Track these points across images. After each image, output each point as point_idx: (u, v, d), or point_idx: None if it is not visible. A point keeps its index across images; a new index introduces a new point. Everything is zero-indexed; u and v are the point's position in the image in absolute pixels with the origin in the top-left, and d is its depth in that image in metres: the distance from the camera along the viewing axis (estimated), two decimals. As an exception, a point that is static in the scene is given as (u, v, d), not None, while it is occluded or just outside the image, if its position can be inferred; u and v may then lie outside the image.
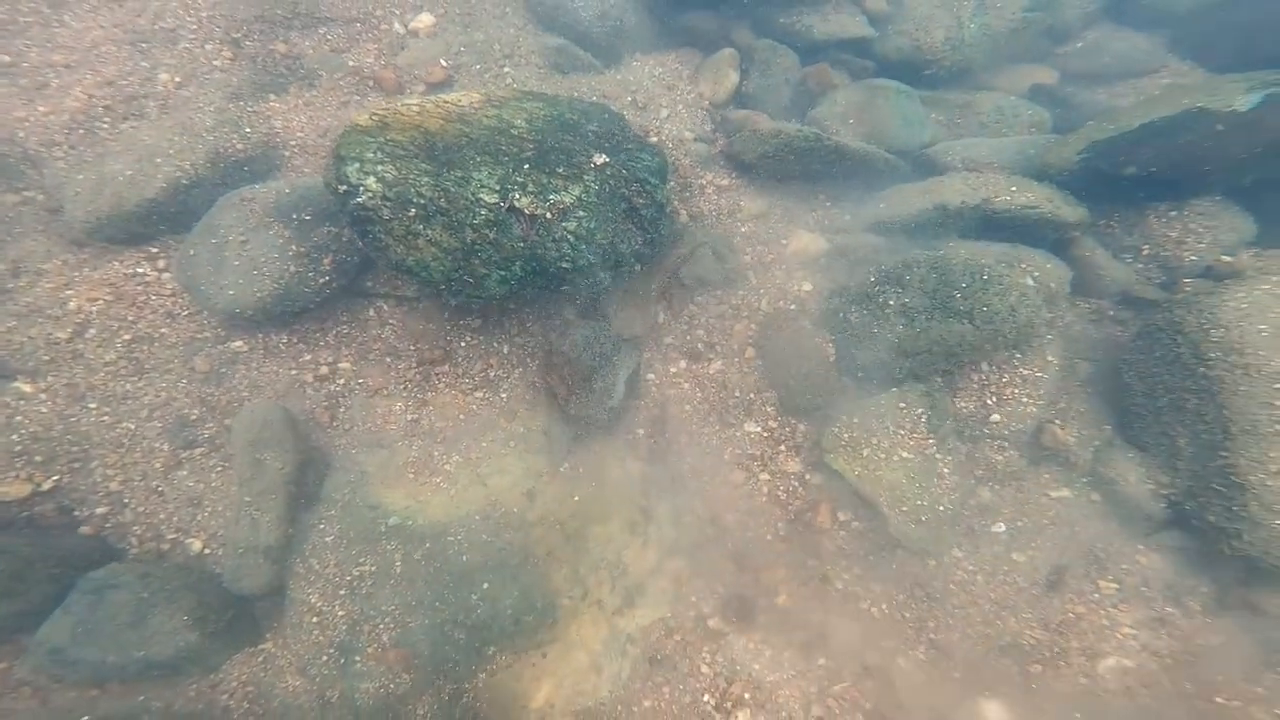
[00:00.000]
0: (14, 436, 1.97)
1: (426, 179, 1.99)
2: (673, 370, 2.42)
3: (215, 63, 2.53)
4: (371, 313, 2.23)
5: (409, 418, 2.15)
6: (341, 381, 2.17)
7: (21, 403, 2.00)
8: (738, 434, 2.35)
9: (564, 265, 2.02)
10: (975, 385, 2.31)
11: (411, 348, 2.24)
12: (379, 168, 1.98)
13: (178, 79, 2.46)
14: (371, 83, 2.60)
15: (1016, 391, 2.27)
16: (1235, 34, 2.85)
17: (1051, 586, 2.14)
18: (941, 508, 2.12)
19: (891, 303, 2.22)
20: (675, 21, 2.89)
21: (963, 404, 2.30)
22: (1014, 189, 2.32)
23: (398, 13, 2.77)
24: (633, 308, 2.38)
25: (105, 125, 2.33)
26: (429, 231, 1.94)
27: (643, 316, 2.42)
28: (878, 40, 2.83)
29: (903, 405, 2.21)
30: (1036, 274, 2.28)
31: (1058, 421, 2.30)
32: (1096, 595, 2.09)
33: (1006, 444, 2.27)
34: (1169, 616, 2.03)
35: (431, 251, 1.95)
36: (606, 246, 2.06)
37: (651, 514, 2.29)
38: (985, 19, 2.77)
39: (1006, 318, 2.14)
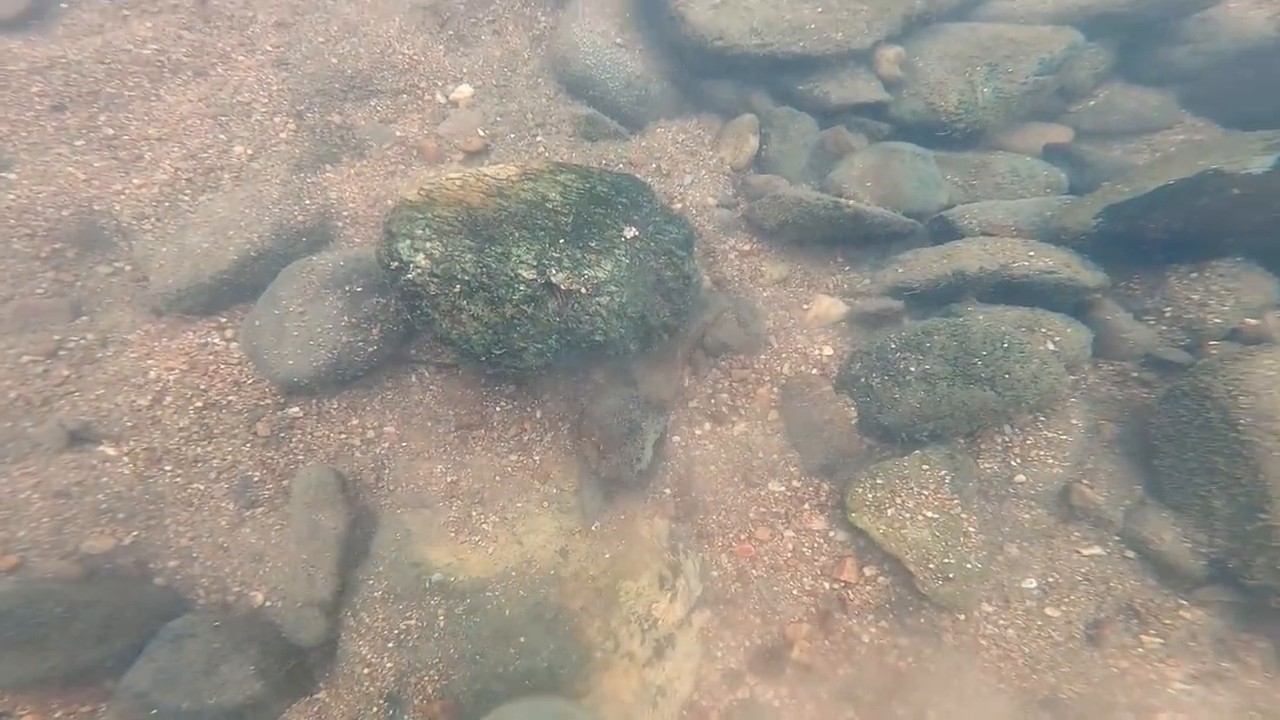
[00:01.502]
0: (100, 495, 2.14)
1: (470, 255, 2.12)
2: (698, 432, 2.50)
3: (281, 135, 2.73)
4: (414, 379, 2.36)
5: (449, 479, 2.27)
6: (386, 445, 2.30)
7: (107, 464, 2.18)
8: (762, 493, 2.41)
9: (597, 338, 2.12)
10: (999, 447, 2.34)
11: (451, 413, 2.36)
12: (427, 244, 2.13)
13: (250, 151, 2.66)
14: (415, 152, 2.77)
15: (1041, 453, 2.30)
16: (1246, 90, 2.84)
17: (1090, 641, 2.13)
18: (969, 565, 2.15)
19: (913, 369, 2.26)
20: (696, 88, 3.01)
21: (986, 464, 2.33)
22: (1032, 254, 2.35)
23: (440, 84, 2.95)
24: (659, 373, 2.47)
25: (187, 198, 2.52)
26: (471, 307, 2.07)
27: (669, 381, 2.50)
28: (892, 104, 2.88)
29: (926, 467, 2.25)
30: (1057, 339, 2.31)
31: (1085, 481, 2.31)
32: (1140, 650, 2.07)
33: (1033, 503, 2.29)
34: (1225, 671, 1.99)
35: (474, 325, 2.08)
36: (637, 319, 2.16)
37: (680, 569, 2.35)
38: (998, 83, 2.79)
39: (1029, 385, 2.16)
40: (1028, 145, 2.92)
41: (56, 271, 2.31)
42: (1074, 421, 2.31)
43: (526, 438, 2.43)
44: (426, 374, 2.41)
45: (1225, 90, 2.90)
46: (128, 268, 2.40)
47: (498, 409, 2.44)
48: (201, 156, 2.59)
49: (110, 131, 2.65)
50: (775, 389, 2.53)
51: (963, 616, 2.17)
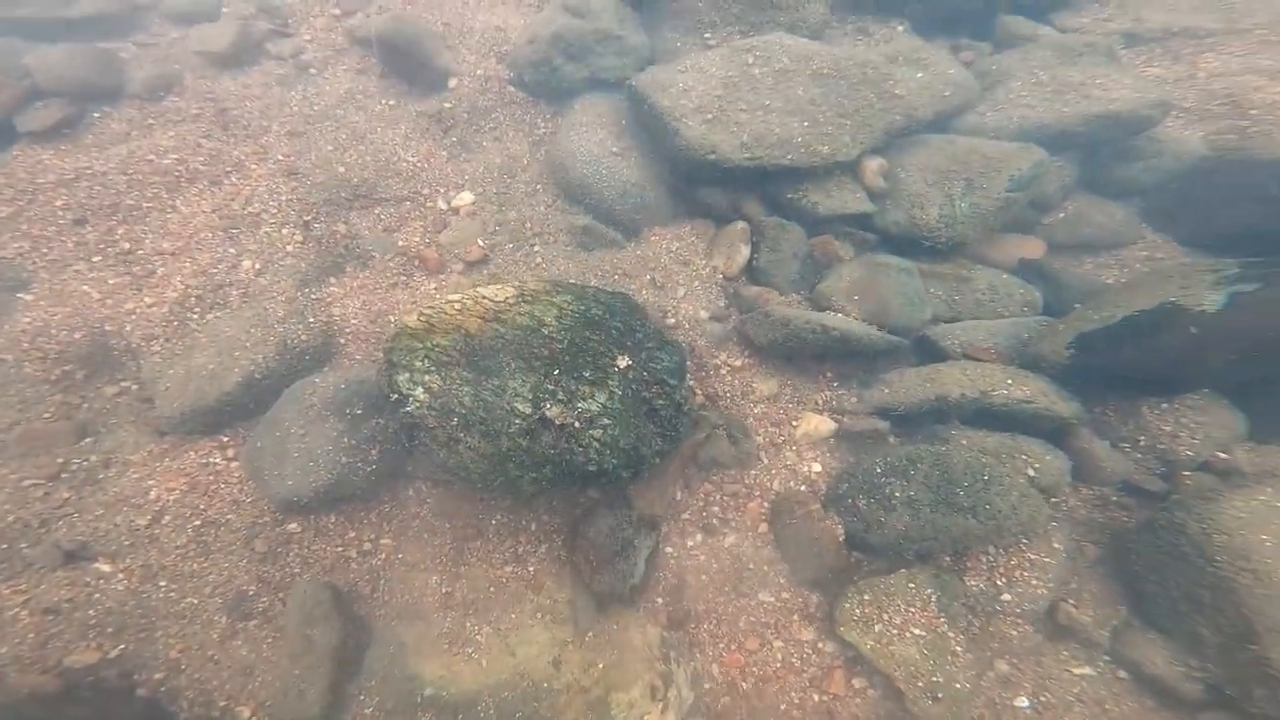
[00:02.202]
0: (90, 611, 2.15)
1: (468, 389, 2.18)
2: (689, 544, 2.52)
3: (288, 248, 2.79)
4: (411, 492, 2.39)
5: (444, 590, 2.29)
6: (383, 556, 2.32)
7: (101, 581, 2.19)
8: (752, 603, 2.42)
9: (590, 469, 2.16)
10: (984, 566, 2.36)
11: (447, 525, 2.39)
12: (425, 378, 2.19)
13: (257, 266, 2.71)
14: (417, 262, 2.84)
15: (1025, 574, 2.31)
16: (1195, 208, 2.91)
17: None
18: (958, 684, 2.14)
19: (897, 494, 2.29)
20: (690, 195, 3.09)
21: (972, 583, 2.34)
22: (1010, 382, 2.40)
23: (442, 190, 3.04)
24: (652, 489, 2.50)
25: (195, 316, 2.56)
26: (469, 439, 2.11)
27: (661, 497, 2.54)
28: (877, 214, 2.95)
29: (912, 585, 2.27)
30: (1036, 466, 2.34)
31: (1070, 601, 2.32)
32: (1149, 772, 2.01)
33: (1021, 620, 2.29)
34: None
35: (470, 456, 2.12)
36: (630, 450, 2.20)
37: (671, 679, 2.36)
38: (973, 198, 2.85)
39: (1009, 515, 2.20)
40: (1005, 257, 2.98)
41: (65, 394, 2.35)
42: (1055, 545, 2.32)
43: (521, 549, 2.45)
44: (424, 488, 2.44)
45: (1179, 206, 2.97)
46: (134, 387, 2.45)
47: (493, 521, 2.46)
48: (211, 272, 2.64)
49: (126, 246, 2.71)
50: (765, 504, 2.55)
51: None
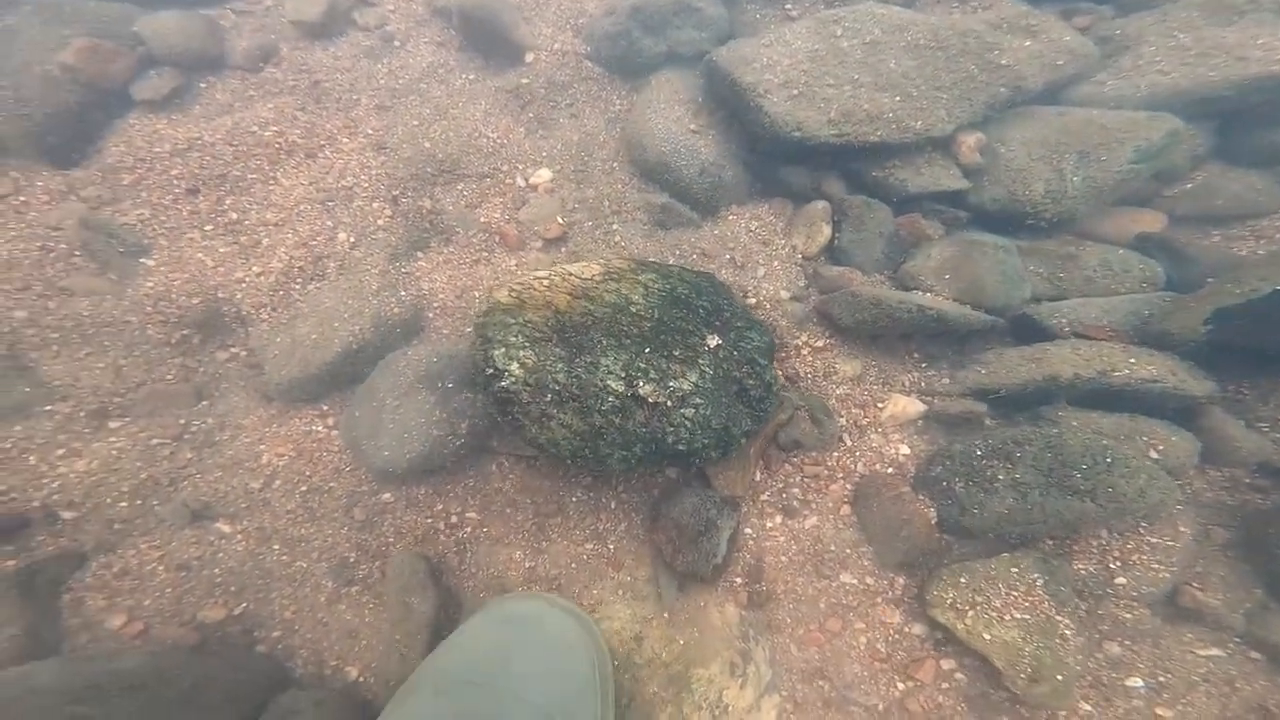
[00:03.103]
0: (216, 570, 2.28)
1: (561, 365, 2.16)
2: (768, 525, 2.46)
3: (379, 221, 2.80)
4: (494, 468, 2.41)
5: (527, 565, 2.31)
6: (469, 529, 2.35)
7: (223, 541, 2.31)
8: (833, 584, 2.36)
9: (680, 448, 2.12)
10: (1094, 550, 2.23)
11: (529, 501, 2.40)
12: (520, 353, 2.18)
13: (352, 239, 2.74)
14: (497, 238, 2.83)
15: (1144, 558, 2.17)
16: None
17: None
18: (1067, 664, 2.03)
19: (1000, 477, 2.15)
20: (768, 173, 2.96)
21: (1081, 565, 2.23)
22: (1133, 361, 2.21)
23: (520, 167, 3.00)
24: (733, 470, 2.43)
25: (298, 286, 2.61)
26: (561, 415, 2.11)
27: (742, 478, 2.47)
28: (972, 191, 2.75)
29: (1015, 570, 2.15)
30: (1161, 447, 2.17)
31: (1195, 584, 2.17)
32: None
33: (1136, 603, 2.17)
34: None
35: (562, 433, 2.11)
36: (720, 430, 2.15)
37: (750, 656, 2.34)
38: (1089, 172, 2.61)
39: (1134, 499, 2.04)
40: (1117, 232, 2.73)
41: (184, 357, 2.46)
42: (1182, 528, 2.16)
43: (601, 527, 2.45)
44: (506, 463, 2.46)
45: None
46: (243, 353, 2.53)
47: (574, 499, 2.47)
48: (311, 244, 2.68)
49: (234, 216, 2.76)
50: (848, 486, 2.46)
51: (1063, 713, 2.06)
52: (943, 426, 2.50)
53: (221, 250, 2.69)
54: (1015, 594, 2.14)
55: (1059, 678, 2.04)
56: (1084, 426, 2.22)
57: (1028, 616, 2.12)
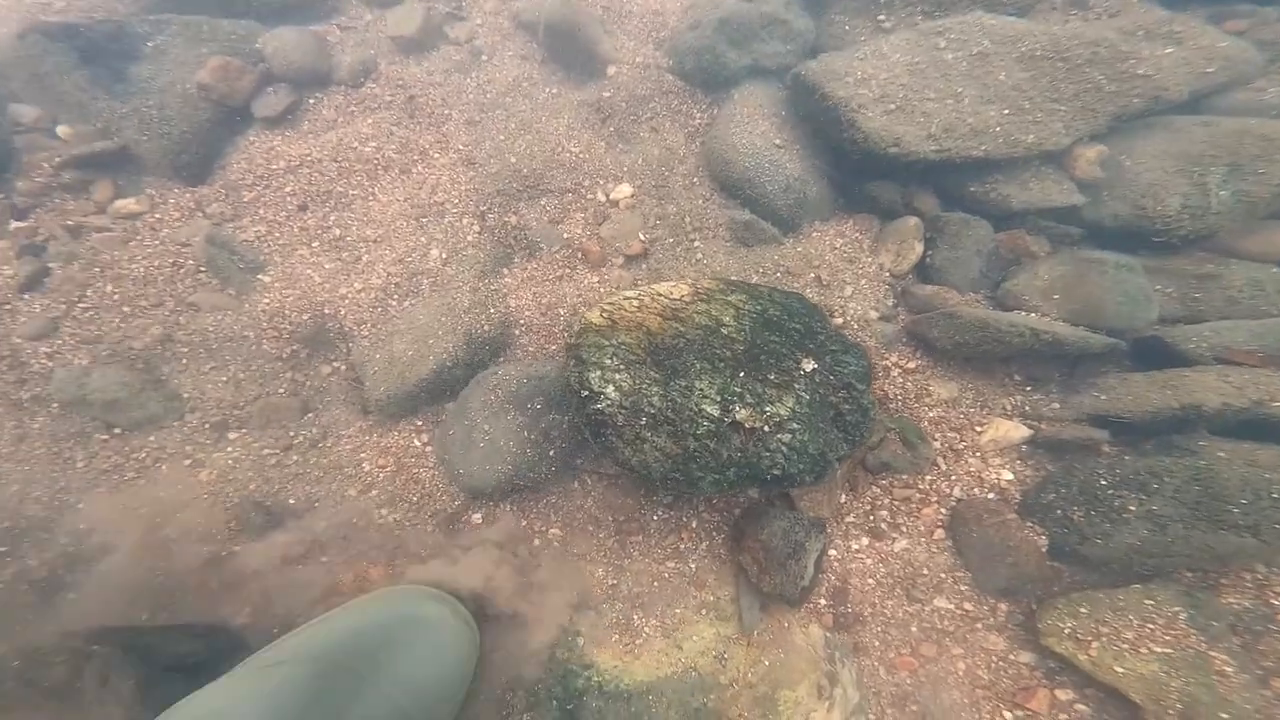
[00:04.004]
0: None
1: (656, 389, 2.13)
2: (854, 546, 2.36)
3: (468, 237, 2.83)
4: (576, 485, 2.39)
5: (610, 583, 2.28)
6: (556, 546, 2.35)
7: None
8: (926, 609, 2.24)
9: (775, 472, 2.05)
10: (1249, 584, 2.02)
11: (610, 519, 2.37)
12: (616, 376, 2.16)
13: (444, 255, 2.77)
14: (580, 255, 2.81)
15: None
16: None
17: None
18: (1231, 704, 1.84)
19: (1132, 509, 1.98)
20: (854, 187, 2.81)
21: (1231, 599, 2.02)
22: None
23: (602, 182, 2.98)
24: (819, 491, 2.34)
25: (394, 303, 2.66)
26: (655, 439, 2.06)
27: (828, 499, 2.37)
28: (1088, 206, 2.52)
29: (1150, 602, 1.98)
30: None
31: None
32: None
33: None
34: None
35: (655, 455, 2.07)
36: (816, 456, 2.07)
37: (837, 678, 2.25)
38: (1241, 185, 2.33)
39: None
40: (1267, 249, 2.43)
41: (293, 372, 2.56)
42: None
43: (683, 546, 2.40)
44: (589, 480, 2.44)
45: None
46: (343, 368, 2.62)
47: (655, 517, 2.42)
48: (407, 260, 2.73)
49: (338, 233, 2.85)
50: (943, 510, 2.32)
51: None
52: (1051, 452, 2.32)
53: (328, 266, 2.78)
54: (1152, 627, 1.97)
55: (1224, 716, 1.85)
56: (1235, 458, 1.99)
57: (1171, 651, 1.94)
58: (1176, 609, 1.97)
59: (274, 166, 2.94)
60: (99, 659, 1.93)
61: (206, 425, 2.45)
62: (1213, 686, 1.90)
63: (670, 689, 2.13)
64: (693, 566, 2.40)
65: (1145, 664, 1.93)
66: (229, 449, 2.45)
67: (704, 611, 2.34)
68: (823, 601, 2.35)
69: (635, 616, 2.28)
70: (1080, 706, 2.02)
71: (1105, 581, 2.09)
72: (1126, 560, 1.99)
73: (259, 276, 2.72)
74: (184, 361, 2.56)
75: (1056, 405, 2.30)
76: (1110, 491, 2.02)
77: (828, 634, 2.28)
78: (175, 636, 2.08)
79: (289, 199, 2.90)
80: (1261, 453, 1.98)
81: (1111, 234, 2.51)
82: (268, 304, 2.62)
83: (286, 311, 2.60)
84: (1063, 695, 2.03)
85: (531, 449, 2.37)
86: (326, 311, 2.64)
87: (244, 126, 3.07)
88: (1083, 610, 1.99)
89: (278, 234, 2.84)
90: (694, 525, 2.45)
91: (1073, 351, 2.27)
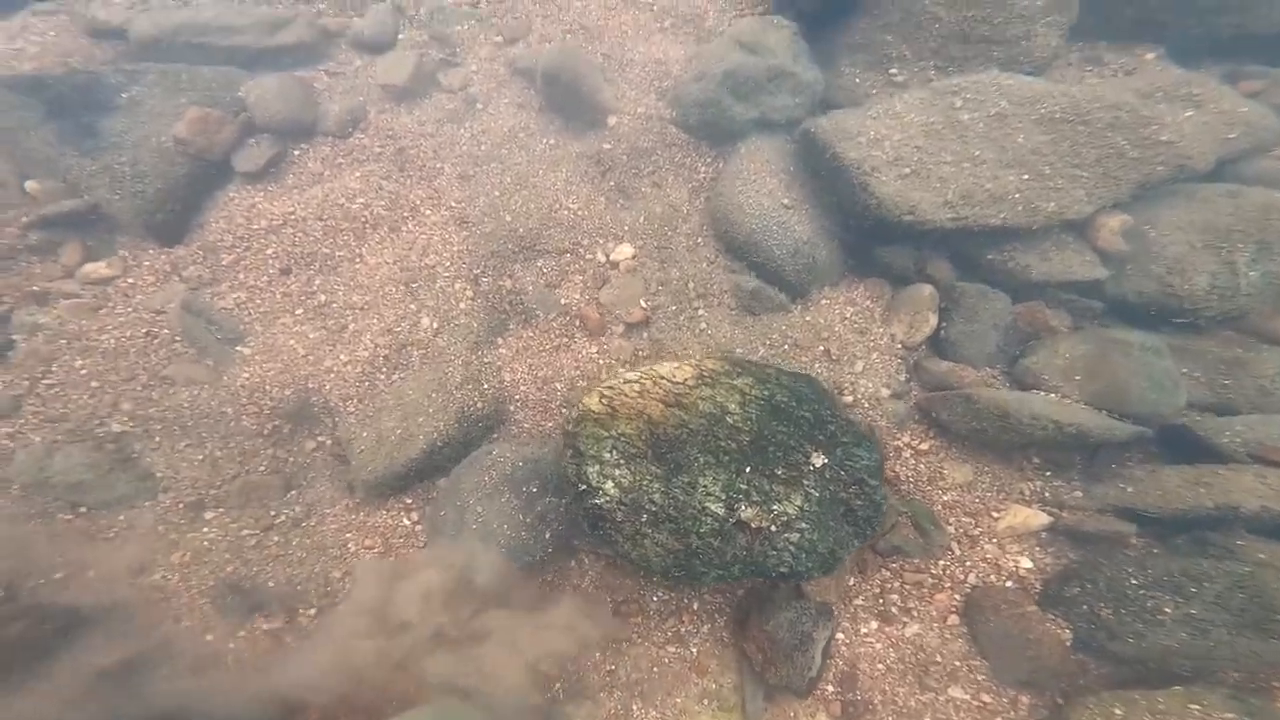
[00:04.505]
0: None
1: (658, 485, 1.97)
2: (863, 630, 2.22)
3: (461, 304, 2.66)
4: (573, 564, 2.25)
5: (607, 667, 2.15)
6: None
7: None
8: (940, 699, 2.10)
9: (782, 570, 1.91)
10: None
11: (608, 599, 2.23)
12: (615, 471, 2.00)
13: (435, 324, 2.60)
14: (578, 322, 2.65)
15: None
16: None
17: None
18: None
19: (1168, 610, 1.87)
20: (865, 251, 2.66)
21: None
22: None
23: (601, 242, 2.81)
24: (826, 578, 2.24)
25: (382, 377, 2.50)
26: (656, 535, 1.91)
27: (836, 584, 2.24)
28: (1110, 280, 2.39)
29: (1196, 706, 1.83)
30: None
31: None
32: None
33: None
34: None
35: (656, 551, 1.92)
36: (825, 555, 1.93)
37: None
38: (1270, 266, 2.21)
39: None
40: None
41: (275, 448, 2.41)
42: None
43: (684, 630, 2.24)
44: (586, 561, 2.29)
45: None
46: (329, 443, 2.47)
47: (654, 599, 2.27)
48: (396, 330, 2.58)
49: (323, 298, 2.68)
50: (957, 596, 2.20)
51: None
52: (1074, 542, 2.18)
53: (312, 336, 2.62)
54: None
55: None
56: (1276, 561, 1.88)
57: None
58: (1228, 715, 1.81)
59: (255, 226, 2.76)
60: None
61: (181, 505, 2.29)
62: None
63: (671, 787, 2.03)
64: (694, 650, 2.24)
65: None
66: (205, 529, 2.31)
67: (706, 701, 2.18)
68: (830, 689, 2.19)
69: (635, 706, 2.13)
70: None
71: (1138, 679, 1.95)
72: (1162, 660, 1.87)
73: (238, 348, 2.55)
74: (156, 439, 2.39)
75: (1079, 494, 2.18)
76: (1142, 592, 1.90)
77: (837, 722, 2.19)
78: None
79: (271, 261, 2.73)
80: (1306, 555, 1.87)
81: (1134, 310, 2.39)
82: (248, 378, 2.46)
83: (268, 386, 2.45)
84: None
85: (526, 532, 2.21)
86: (310, 386, 2.48)
87: (224, 181, 2.89)
88: (1117, 712, 1.84)
89: (259, 300, 2.67)
90: (695, 607, 2.28)
91: (1100, 442, 2.14)
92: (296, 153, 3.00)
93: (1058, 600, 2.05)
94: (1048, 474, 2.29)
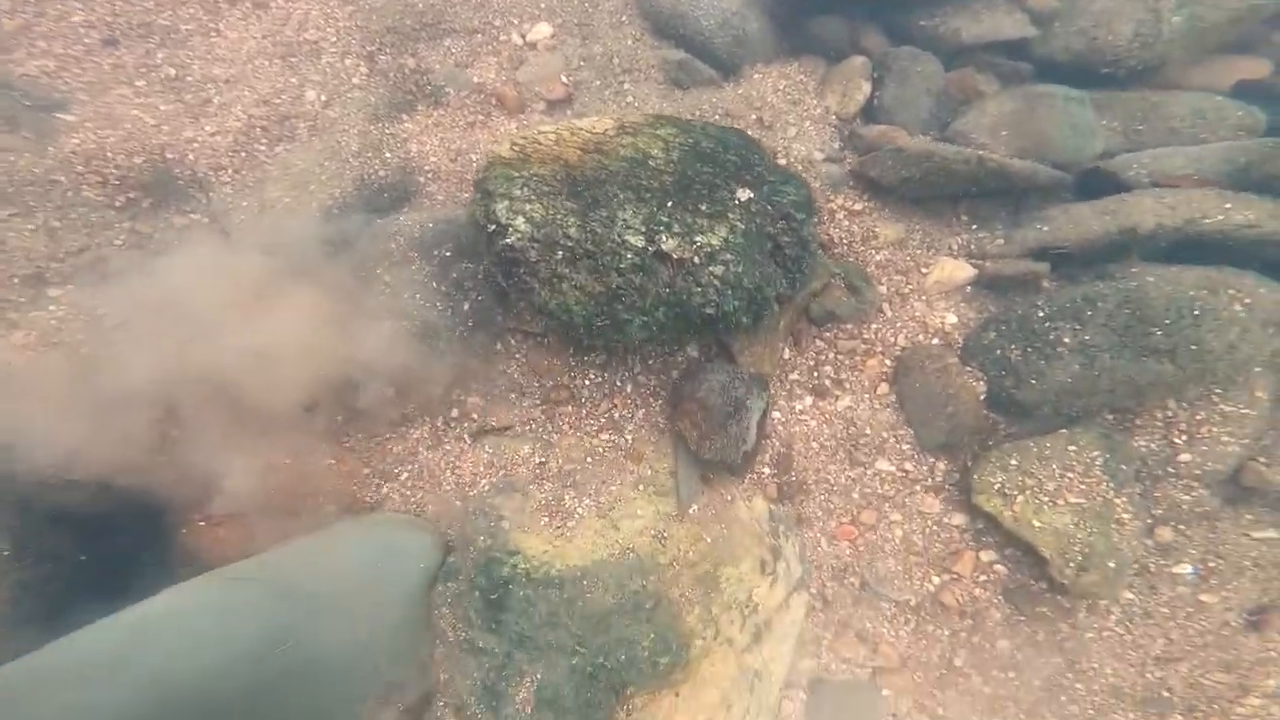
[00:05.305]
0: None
1: (573, 219, 1.79)
2: (798, 407, 2.19)
3: (354, 80, 2.37)
4: (499, 346, 2.08)
5: (537, 460, 2.03)
6: (475, 418, 2.05)
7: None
8: (868, 473, 2.13)
9: (709, 311, 1.79)
10: (1159, 423, 2.00)
11: (536, 384, 2.10)
12: (527, 206, 1.80)
13: (324, 98, 2.32)
14: (494, 100, 2.38)
15: (1214, 430, 1.95)
16: None
17: (1250, 627, 1.90)
18: (1120, 551, 1.87)
19: (1066, 340, 1.89)
20: (798, 25, 2.51)
21: (1141, 442, 2.01)
22: (1228, 205, 1.91)
23: (516, 22, 2.52)
24: (759, 345, 2.12)
25: (263, 148, 2.22)
26: (574, 275, 1.75)
27: (770, 354, 2.16)
28: (1038, 40, 2.35)
29: (1073, 448, 1.93)
30: (1247, 300, 1.89)
31: (1262, 459, 1.96)
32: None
33: (1195, 484, 1.97)
34: None
35: (575, 295, 1.77)
36: (753, 291, 1.82)
37: (780, 552, 2.12)
38: (1195, 9, 2.21)
39: (1222, 356, 1.78)
40: (1214, 80, 2.35)
41: (133, 221, 2.07)
42: (1259, 393, 1.91)
43: (617, 415, 2.13)
44: (513, 342, 2.12)
45: None
46: (204, 220, 2.14)
47: (586, 382, 2.14)
48: (274, 102, 2.27)
49: (171, 71, 2.32)
50: (888, 361, 2.18)
51: (1104, 603, 1.95)
52: (995, 291, 2.20)
53: (163, 108, 2.25)
54: (1071, 475, 1.91)
55: (1111, 565, 1.85)
56: (1163, 280, 1.93)
57: (1084, 500, 1.90)
58: (1095, 454, 1.93)
59: (49, -9, 2.30)
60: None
61: (15, 279, 1.93)
62: (1109, 535, 1.90)
63: (606, 572, 1.91)
64: (629, 438, 2.13)
65: (1060, 516, 1.90)
66: (51, 307, 1.94)
67: (641, 488, 2.08)
68: (766, 470, 2.17)
69: (567, 496, 2.02)
70: (999, 567, 1.99)
71: (1036, 430, 2.02)
72: (1057, 402, 1.93)
73: (59, 115, 2.16)
74: (-31, 210, 2.00)
75: (1001, 241, 2.18)
76: (1047, 324, 1.93)
77: (772, 506, 2.12)
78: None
79: (83, 30, 2.32)
80: (1187, 274, 1.94)
81: (1061, 69, 2.36)
82: (79, 144, 2.10)
83: (109, 154, 2.09)
84: (985, 557, 2.00)
85: (442, 302, 2.00)
86: (170, 156, 2.13)
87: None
88: (1013, 462, 1.93)
89: (77, 70, 2.27)
90: (629, 390, 2.17)
91: (1020, 184, 2.13)
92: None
93: (976, 350, 2.08)
94: (974, 227, 2.28)
